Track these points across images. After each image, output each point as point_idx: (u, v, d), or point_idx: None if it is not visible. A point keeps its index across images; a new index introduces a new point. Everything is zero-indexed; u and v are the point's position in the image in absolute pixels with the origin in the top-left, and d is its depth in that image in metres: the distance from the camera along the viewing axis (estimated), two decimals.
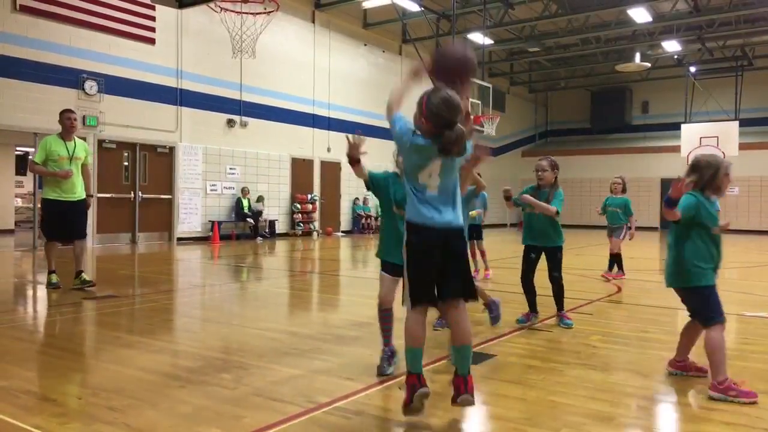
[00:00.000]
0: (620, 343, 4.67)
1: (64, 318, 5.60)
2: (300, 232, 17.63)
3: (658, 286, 4.94)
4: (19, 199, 20.69)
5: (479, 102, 19.49)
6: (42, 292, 7.40)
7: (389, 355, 3.74)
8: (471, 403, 2.89)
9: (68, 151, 7.03)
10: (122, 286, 7.89)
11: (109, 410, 3.03)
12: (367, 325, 5.18)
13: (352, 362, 4.01)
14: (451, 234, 2.90)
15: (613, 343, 4.66)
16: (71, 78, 12.71)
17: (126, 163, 14.07)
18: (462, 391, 2.87)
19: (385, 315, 3.70)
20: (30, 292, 7.67)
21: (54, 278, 7.21)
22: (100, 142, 13.34)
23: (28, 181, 22.98)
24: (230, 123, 16.05)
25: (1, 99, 11.65)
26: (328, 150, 19.08)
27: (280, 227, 17.56)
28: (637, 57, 23.12)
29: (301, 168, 18.18)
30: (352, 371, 3.77)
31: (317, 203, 18.52)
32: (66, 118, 7.08)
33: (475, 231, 8.60)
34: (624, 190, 8.59)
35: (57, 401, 3.15)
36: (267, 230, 16.70)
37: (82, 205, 7.17)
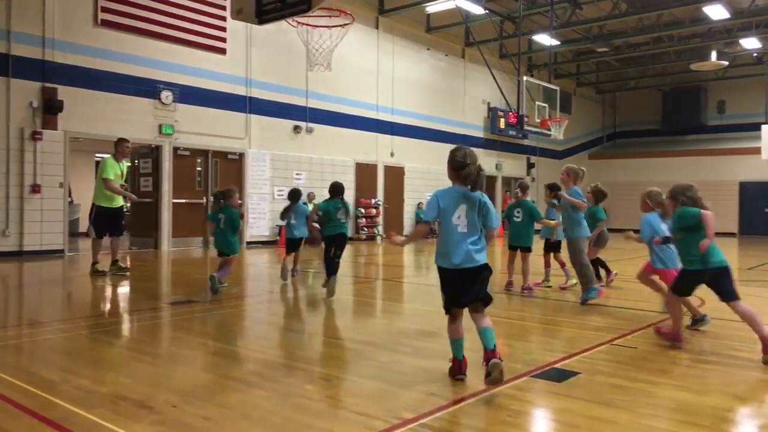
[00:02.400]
0: (711, 362, 4.47)
1: (152, 323, 5.84)
2: (364, 237, 17.78)
3: (743, 298, 4.69)
4: None
5: (546, 105, 19.12)
6: (124, 296, 7.76)
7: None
8: (499, 365, 3.62)
9: (121, 170, 8.98)
10: (199, 290, 8.17)
11: (203, 419, 3.14)
12: (439, 335, 5.16)
13: (433, 376, 4.00)
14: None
15: (703, 362, 4.46)
16: (149, 88, 13.29)
17: (199, 169, 14.57)
18: (490, 356, 3.65)
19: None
20: (113, 296, 8.05)
21: (99, 267, 8.97)
22: (175, 149, 13.87)
23: None
24: (297, 129, 16.37)
25: (85, 110, 12.29)
26: (392, 155, 19.15)
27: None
28: (713, 55, 22.11)
29: (364, 173, 18.33)
30: (434, 385, 3.76)
31: (380, 208, 18.62)
32: (125, 146, 8.95)
33: (554, 244, 8.47)
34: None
35: (154, 409, 3.29)
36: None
37: (122, 211, 9.07)
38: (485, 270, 3.84)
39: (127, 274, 9.05)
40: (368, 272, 10.51)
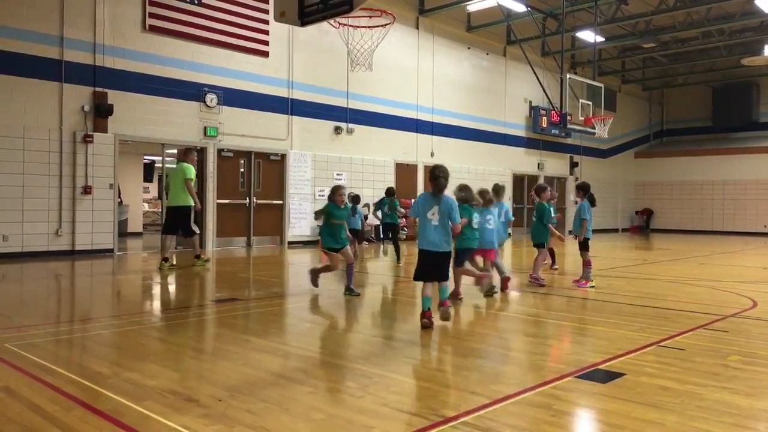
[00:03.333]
0: (763, 364, 4.31)
1: (197, 320, 5.99)
2: (404, 237, 17.76)
3: None
4: (145, 204, 22.41)
5: (589, 103, 18.76)
6: (172, 294, 7.97)
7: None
8: (447, 310, 5.44)
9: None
10: (243, 288, 8.33)
11: (247, 413, 3.21)
12: (483, 335, 5.13)
13: (474, 375, 3.98)
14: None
15: (756, 364, 4.31)
16: (194, 92, 13.61)
17: (242, 170, 14.84)
18: (441, 305, 5.43)
19: None
20: (160, 293, 8.28)
21: (203, 257, 10.58)
22: (219, 151, 14.17)
23: (153, 188, 24.90)
24: (337, 130, 16.50)
25: (132, 113, 12.68)
26: (432, 154, 19.12)
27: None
28: (766, 50, 21.29)
29: (405, 173, 18.34)
30: (476, 384, 3.75)
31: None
32: (194, 155, 10.62)
33: (582, 243, 8.42)
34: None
35: (200, 402, 3.37)
36: (372, 235, 16.99)
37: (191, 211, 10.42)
38: (447, 255, 5.44)
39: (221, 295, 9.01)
40: (409, 271, 10.52)
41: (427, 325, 5.30)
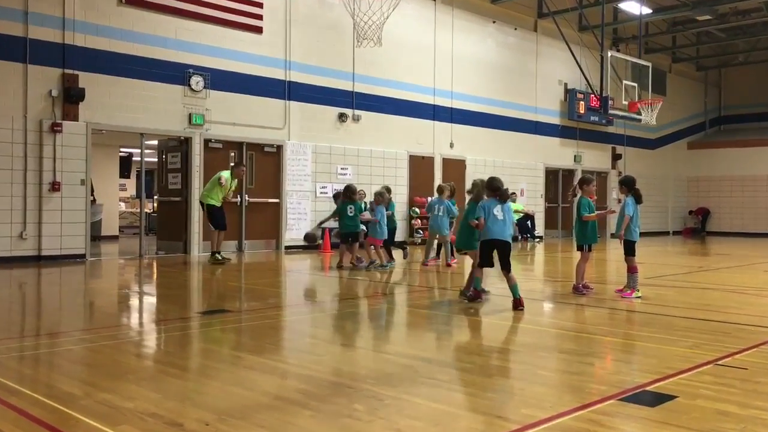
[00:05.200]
0: None
1: (181, 333, 6.03)
2: (419, 241, 17.77)
3: None
4: (122, 203, 22.59)
5: (635, 85, 18.70)
6: (152, 305, 8.02)
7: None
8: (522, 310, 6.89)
9: (230, 187, 12.63)
10: (233, 299, 8.36)
11: None
12: (514, 352, 5.12)
13: (501, 397, 3.98)
14: None
15: None
16: (177, 74, 13.68)
17: (232, 164, 14.87)
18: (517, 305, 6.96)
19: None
20: (139, 304, 8.32)
21: (221, 255, 12.23)
22: (206, 141, 14.24)
23: (131, 184, 25.09)
24: (342, 117, 16.54)
25: (107, 98, 12.77)
26: (451, 146, 19.11)
27: (396, 235, 17.79)
28: None
29: (420, 167, 18.35)
30: (504, 407, 3.74)
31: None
32: (242, 170, 12.98)
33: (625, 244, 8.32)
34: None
35: (184, 427, 3.39)
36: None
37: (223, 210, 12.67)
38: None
39: (225, 262, 12.21)
40: (424, 280, 10.52)
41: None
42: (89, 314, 7.49)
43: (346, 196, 11.66)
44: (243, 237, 15.02)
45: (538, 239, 20.66)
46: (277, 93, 15.36)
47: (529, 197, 21.40)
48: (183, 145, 14.24)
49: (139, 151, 14.77)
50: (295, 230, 15.72)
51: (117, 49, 12.88)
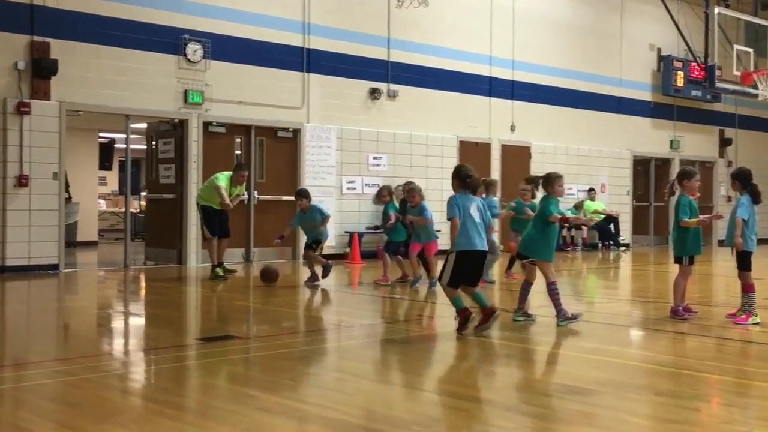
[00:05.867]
0: None
1: (177, 365, 6.12)
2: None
3: None
4: (102, 201, 22.95)
5: (750, 50, 18.37)
6: (141, 329, 8.15)
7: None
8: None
9: (230, 193, 12.32)
10: (241, 322, 8.45)
11: None
12: (595, 392, 5.09)
13: None
14: None
15: None
16: (170, 40, 13.87)
17: (238, 152, 15.04)
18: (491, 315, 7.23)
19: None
20: (125, 329, 8.45)
21: (221, 270, 12.07)
22: (206, 125, 14.39)
23: (113, 178, 25.50)
24: (374, 94, 16.56)
25: (84, 72, 12.99)
26: (512, 128, 19.01)
27: (442, 239, 17.76)
28: None
29: (472, 154, 18.24)
30: None
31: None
32: (241, 175, 12.46)
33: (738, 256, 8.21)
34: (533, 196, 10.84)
35: None
36: None
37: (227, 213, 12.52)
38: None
39: (228, 277, 12.17)
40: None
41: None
42: (64, 340, 7.64)
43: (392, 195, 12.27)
44: (251, 244, 15.15)
45: (623, 247, 20.45)
46: (294, 64, 15.46)
47: (612, 194, 21.19)
48: (177, 129, 14.42)
49: (123, 136, 15.00)
50: None
51: (96, 11, 13.10)
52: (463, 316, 7.21)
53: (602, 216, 19.70)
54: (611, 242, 20.25)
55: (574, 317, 7.69)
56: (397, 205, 12.30)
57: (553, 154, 19.57)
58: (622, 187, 21.68)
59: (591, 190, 19.88)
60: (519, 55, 19.05)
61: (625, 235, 21.29)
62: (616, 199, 21.24)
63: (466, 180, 7.34)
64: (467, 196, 7.33)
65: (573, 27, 20.28)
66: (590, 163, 20.46)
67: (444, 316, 8.94)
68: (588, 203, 19.51)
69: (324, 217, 11.28)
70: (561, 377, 5.82)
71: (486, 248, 7.36)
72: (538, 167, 18.98)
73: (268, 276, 11.09)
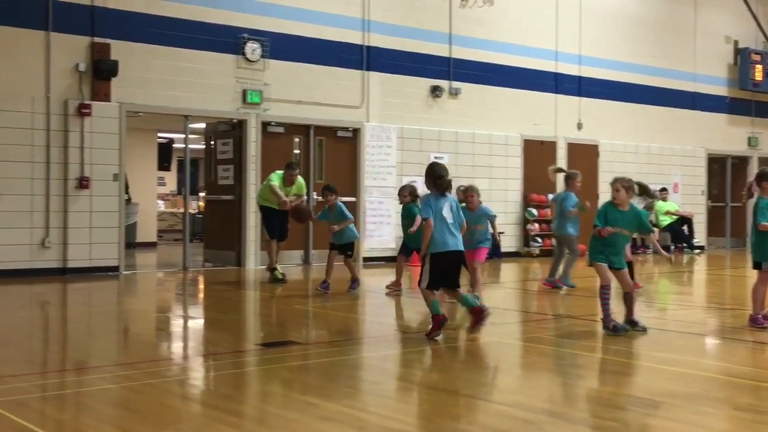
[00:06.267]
0: None
1: (236, 371, 6.20)
2: (537, 251, 17.58)
3: None
4: (161, 202, 23.37)
5: None
6: (201, 333, 8.29)
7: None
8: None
9: (286, 191, 12.29)
10: (300, 327, 8.53)
11: None
12: (669, 406, 5.01)
13: None
14: None
15: None
16: (229, 40, 14.07)
17: (296, 152, 15.17)
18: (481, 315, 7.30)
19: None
20: (184, 333, 8.61)
21: (279, 273, 12.03)
22: (264, 125, 14.56)
23: (171, 178, 25.95)
24: (435, 92, 16.55)
25: (144, 73, 13.25)
26: (579, 126, 18.81)
27: (507, 242, 17.69)
28: None
29: (537, 154, 18.13)
30: None
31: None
32: (292, 174, 12.28)
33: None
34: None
35: None
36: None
37: (287, 214, 12.33)
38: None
39: (286, 280, 12.08)
40: (545, 305, 10.40)
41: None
42: (125, 344, 7.82)
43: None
44: (310, 246, 15.26)
45: (697, 250, 20.04)
46: (353, 62, 15.54)
47: (685, 194, 20.81)
48: (236, 129, 14.61)
49: (182, 136, 15.28)
50: (375, 237, 15.87)
51: (156, 11, 13.37)
52: (437, 321, 7.25)
53: (675, 217, 19.37)
54: (684, 245, 19.86)
55: (616, 330, 7.44)
56: (420, 205, 11.91)
57: (623, 152, 19.30)
58: (696, 186, 21.28)
59: (663, 190, 19.50)
60: (586, 50, 18.84)
61: (700, 237, 20.84)
62: (689, 200, 20.85)
63: (436, 181, 7.39)
64: (439, 196, 7.39)
65: (643, 20, 19.99)
66: (662, 161, 20.12)
67: (507, 322, 8.90)
68: (660, 204, 19.15)
69: (346, 219, 10.87)
70: (633, 389, 5.73)
71: (461, 248, 7.41)
72: (606, 166, 18.80)
73: (299, 216, 11.82)
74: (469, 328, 7.37)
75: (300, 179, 12.59)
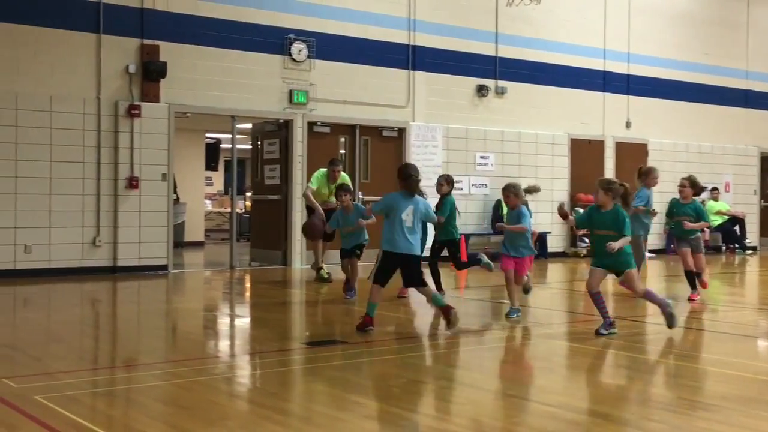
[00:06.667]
0: None
1: (283, 369, 6.27)
2: (584, 252, 17.42)
3: None
4: (208, 202, 23.65)
5: None
6: (248, 332, 8.37)
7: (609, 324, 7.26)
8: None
9: (329, 190, 12.15)
10: (346, 326, 8.56)
11: None
12: (720, 408, 4.93)
13: None
14: None
15: None
16: (275, 40, 14.18)
17: (342, 152, 15.23)
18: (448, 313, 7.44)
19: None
20: (230, 331, 8.71)
21: (325, 272, 12.03)
22: (311, 125, 14.65)
23: (218, 178, 26.23)
24: (481, 91, 16.51)
25: (192, 74, 13.42)
26: (628, 125, 18.61)
27: (554, 243, 17.56)
28: None
29: (585, 153, 17.98)
30: None
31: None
32: (335, 170, 12.14)
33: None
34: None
35: None
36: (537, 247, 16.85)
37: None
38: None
39: (332, 280, 11.95)
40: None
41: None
42: (173, 341, 7.94)
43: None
44: None
45: (750, 251, 19.71)
46: (399, 61, 15.56)
47: (737, 194, 20.47)
48: (282, 129, 14.73)
49: (229, 137, 15.43)
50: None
51: (204, 13, 13.52)
52: (366, 320, 7.49)
53: (726, 217, 19.07)
54: (736, 245, 19.55)
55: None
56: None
57: (673, 151, 19.04)
58: (748, 186, 20.92)
59: (714, 189, 19.22)
60: (635, 48, 18.64)
61: (752, 237, 20.49)
62: (741, 199, 20.51)
63: (405, 180, 7.50)
64: (405, 196, 7.48)
65: (693, 16, 19.71)
66: (713, 160, 19.81)
67: (553, 323, 8.85)
68: (711, 203, 18.87)
69: (368, 219, 9.95)
70: (683, 391, 5.65)
71: (414, 252, 7.49)
72: (656, 166, 18.50)
73: (312, 233, 11.71)
74: (446, 328, 7.52)
75: (344, 175, 12.45)
